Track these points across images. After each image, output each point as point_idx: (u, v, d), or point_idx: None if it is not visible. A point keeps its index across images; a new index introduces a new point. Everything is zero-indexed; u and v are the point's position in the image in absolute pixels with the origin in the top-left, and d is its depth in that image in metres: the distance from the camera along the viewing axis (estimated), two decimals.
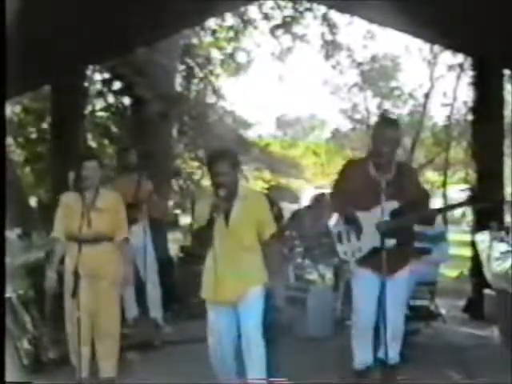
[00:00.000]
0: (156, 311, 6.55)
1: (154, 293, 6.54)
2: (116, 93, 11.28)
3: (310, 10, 13.94)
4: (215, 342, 4.21)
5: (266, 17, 13.83)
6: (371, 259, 4.20)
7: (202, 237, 4.22)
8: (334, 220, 4.70)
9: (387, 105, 21.20)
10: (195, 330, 6.36)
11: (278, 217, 6.42)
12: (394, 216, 4.20)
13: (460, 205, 4.54)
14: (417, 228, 4.67)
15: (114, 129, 12.15)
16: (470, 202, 4.53)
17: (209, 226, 4.00)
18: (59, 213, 4.78)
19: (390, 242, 4.11)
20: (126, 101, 11.07)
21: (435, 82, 18.37)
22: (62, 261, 4.81)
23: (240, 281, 4.12)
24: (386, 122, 4.72)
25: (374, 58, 20.37)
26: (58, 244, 4.74)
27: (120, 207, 4.91)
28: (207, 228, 4.02)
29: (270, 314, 4.58)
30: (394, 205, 4.21)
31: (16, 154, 11.74)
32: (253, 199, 4.23)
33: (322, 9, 13.90)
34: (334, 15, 14.57)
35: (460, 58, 14.69)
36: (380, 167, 4.27)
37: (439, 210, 5.01)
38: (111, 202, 4.83)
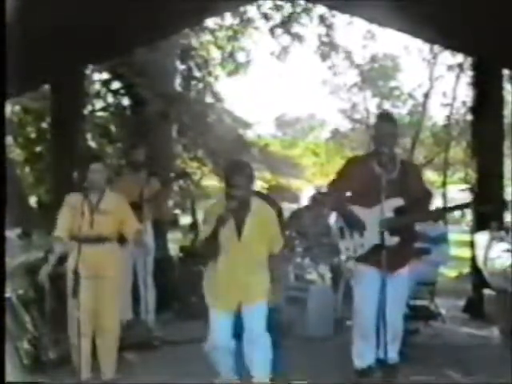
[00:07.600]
0: (149, 314, 6.42)
1: (149, 295, 6.45)
2: (116, 93, 11.28)
3: (308, 10, 13.95)
4: (214, 341, 4.24)
5: (266, 17, 13.82)
6: (373, 256, 4.19)
7: (208, 248, 4.19)
8: (334, 216, 4.70)
9: (387, 105, 21.18)
10: (195, 330, 6.37)
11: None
12: (397, 213, 4.19)
13: (463, 206, 4.52)
14: (419, 228, 4.67)
15: (113, 129, 12.15)
16: (473, 204, 4.52)
17: (214, 236, 4.04)
18: (63, 212, 4.78)
19: (393, 240, 4.11)
20: (126, 101, 11.07)
21: (435, 81, 18.37)
22: (61, 260, 4.82)
23: (249, 292, 4.18)
24: (385, 118, 4.70)
25: (373, 58, 20.36)
26: (59, 243, 4.74)
27: (125, 208, 4.95)
28: (213, 238, 4.05)
29: (270, 314, 4.58)
30: (398, 202, 4.21)
31: (16, 153, 11.72)
32: (264, 214, 4.25)
33: (321, 9, 13.91)
34: (333, 15, 14.60)
35: (460, 58, 14.70)
36: (384, 165, 4.28)
37: (445, 210, 4.98)
38: (115, 204, 4.85)
